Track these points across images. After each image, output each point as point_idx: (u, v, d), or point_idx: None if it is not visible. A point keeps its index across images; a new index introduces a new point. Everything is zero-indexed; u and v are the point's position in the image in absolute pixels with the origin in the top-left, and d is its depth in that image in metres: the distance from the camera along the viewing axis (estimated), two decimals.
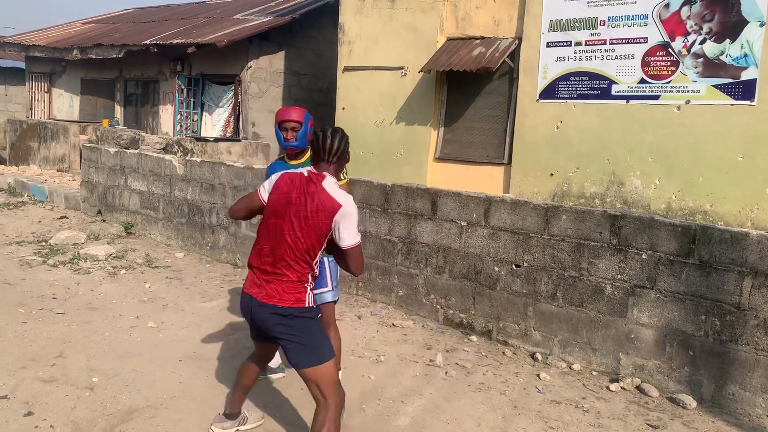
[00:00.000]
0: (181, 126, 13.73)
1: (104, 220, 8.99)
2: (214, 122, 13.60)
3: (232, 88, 13.08)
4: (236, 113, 13.03)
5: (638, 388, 4.35)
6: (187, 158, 8.01)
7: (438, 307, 5.57)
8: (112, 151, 9.00)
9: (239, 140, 12.32)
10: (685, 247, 4.28)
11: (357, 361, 4.58)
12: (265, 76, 12.95)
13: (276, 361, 4.18)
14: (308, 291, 2.90)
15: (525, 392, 4.21)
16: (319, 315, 3.05)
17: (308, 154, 3.66)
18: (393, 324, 5.41)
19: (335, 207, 2.80)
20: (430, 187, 5.88)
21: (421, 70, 8.68)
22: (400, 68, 9.28)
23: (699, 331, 4.23)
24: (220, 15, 15.35)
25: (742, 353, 4.09)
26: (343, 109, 10.02)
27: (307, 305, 2.88)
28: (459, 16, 8.80)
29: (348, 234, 2.83)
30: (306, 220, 2.81)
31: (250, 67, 12.64)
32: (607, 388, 4.35)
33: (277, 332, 2.89)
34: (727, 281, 4.13)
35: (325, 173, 2.88)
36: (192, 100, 13.70)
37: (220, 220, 7.39)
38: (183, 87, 13.56)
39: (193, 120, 13.82)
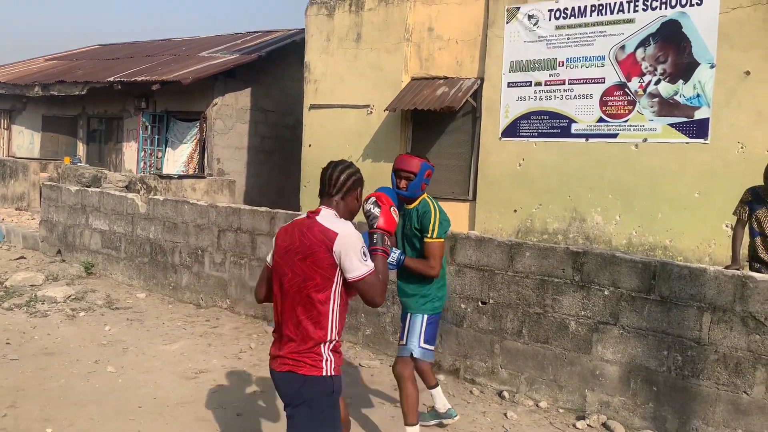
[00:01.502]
0: (144, 163, 13.59)
1: (64, 260, 8.77)
2: (176, 158, 13.50)
3: (197, 124, 13.04)
4: (201, 149, 12.96)
5: (604, 425, 4.36)
6: (150, 196, 7.91)
7: None
8: (73, 190, 8.84)
9: (204, 177, 12.23)
10: (646, 283, 4.35)
11: None
12: (231, 113, 12.95)
13: (443, 404, 4.20)
14: (326, 352, 2.51)
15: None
16: (338, 392, 2.59)
17: (421, 198, 3.82)
18: (360, 364, 5.35)
19: (331, 237, 2.48)
20: None
21: (386, 109, 8.79)
22: (366, 106, 9.38)
23: (662, 366, 4.28)
24: (185, 52, 15.37)
25: (704, 388, 4.14)
26: (310, 146, 10.05)
27: (324, 374, 2.49)
28: (423, 56, 8.97)
29: (352, 263, 2.45)
30: (304, 260, 2.49)
31: (216, 103, 12.63)
32: (574, 425, 4.35)
33: (285, 399, 2.58)
34: (687, 316, 4.20)
35: (322, 207, 2.63)
36: (156, 136, 13.60)
37: (182, 259, 7.27)
38: (147, 124, 13.46)
39: (157, 157, 13.70)
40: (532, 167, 7.94)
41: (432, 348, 3.85)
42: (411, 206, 3.81)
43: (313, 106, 10.03)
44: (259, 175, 13.26)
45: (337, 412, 2.59)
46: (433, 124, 8.91)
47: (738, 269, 4.60)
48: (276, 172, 13.32)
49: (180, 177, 11.86)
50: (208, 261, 7.04)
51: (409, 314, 3.82)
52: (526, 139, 7.98)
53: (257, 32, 16.25)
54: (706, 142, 6.73)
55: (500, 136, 8.18)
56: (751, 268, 5.04)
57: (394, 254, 3.58)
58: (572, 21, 7.53)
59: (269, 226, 6.48)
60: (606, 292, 4.49)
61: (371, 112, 9.32)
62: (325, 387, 2.51)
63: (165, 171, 13.24)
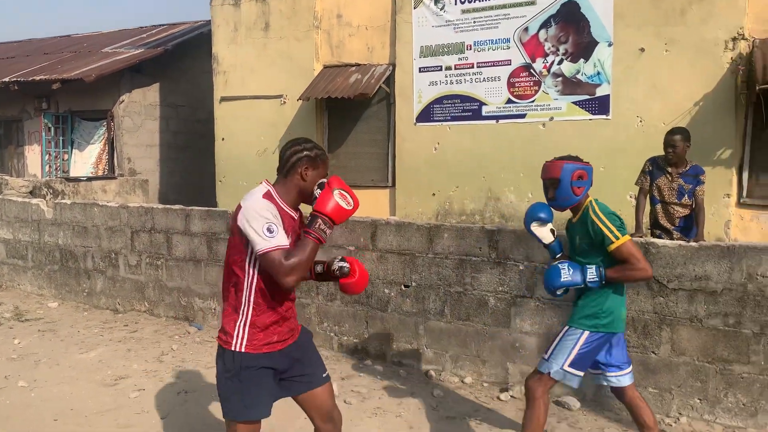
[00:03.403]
0: (50, 166, 12.91)
1: None
2: (85, 160, 12.91)
3: (104, 123, 12.50)
4: (110, 149, 12.44)
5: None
6: (57, 201, 7.54)
7: (332, 335, 5.54)
8: None
9: (115, 177, 11.76)
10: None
11: None
12: (140, 110, 12.49)
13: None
14: (239, 327, 2.54)
15: (420, 412, 4.26)
16: (242, 366, 2.54)
17: (586, 206, 3.24)
18: None
19: (238, 209, 2.50)
20: None
21: (299, 98, 8.71)
22: (279, 96, 9.26)
23: None
24: (87, 49, 14.67)
25: None
26: (223, 139, 9.84)
27: (232, 348, 2.53)
28: (333, 43, 8.93)
29: (251, 237, 2.42)
30: (231, 233, 2.59)
31: (123, 101, 12.14)
32: (498, 398, 4.49)
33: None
34: None
35: (264, 181, 2.62)
36: (61, 138, 12.94)
37: (96, 264, 6.99)
38: (50, 125, 12.79)
39: (63, 159, 13.05)
40: (448, 151, 8.09)
41: (579, 374, 3.23)
42: (575, 219, 3.30)
43: (224, 99, 9.82)
44: (173, 172, 12.87)
45: (238, 379, 2.54)
46: (349, 112, 8.91)
47: (641, 236, 4.86)
48: (191, 169, 12.97)
49: (89, 179, 11.35)
50: (122, 264, 6.79)
51: (566, 325, 3.30)
52: (439, 123, 8.11)
53: (163, 25, 15.70)
54: (608, 117, 7.05)
55: (415, 121, 8.27)
56: (653, 235, 5.35)
57: (593, 273, 3.13)
58: (477, 5, 7.68)
59: (184, 224, 6.32)
60: (521, 267, 4.64)
61: (284, 102, 9.21)
62: (229, 359, 2.53)
63: (73, 173, 12.64)
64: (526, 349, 4.64)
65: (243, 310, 2.54)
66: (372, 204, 8.63)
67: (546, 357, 3.28)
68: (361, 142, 8.91)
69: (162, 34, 14.29)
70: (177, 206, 6.49)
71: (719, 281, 3.99)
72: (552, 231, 3.41)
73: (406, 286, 5.16)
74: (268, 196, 2.54)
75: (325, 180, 2.60)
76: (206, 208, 6.29)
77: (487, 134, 7.77)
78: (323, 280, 2.84)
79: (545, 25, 7.31)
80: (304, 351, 2.78)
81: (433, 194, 8.18)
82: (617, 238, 3.06)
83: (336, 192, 2.50)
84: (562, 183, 3.18)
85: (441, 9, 7.93)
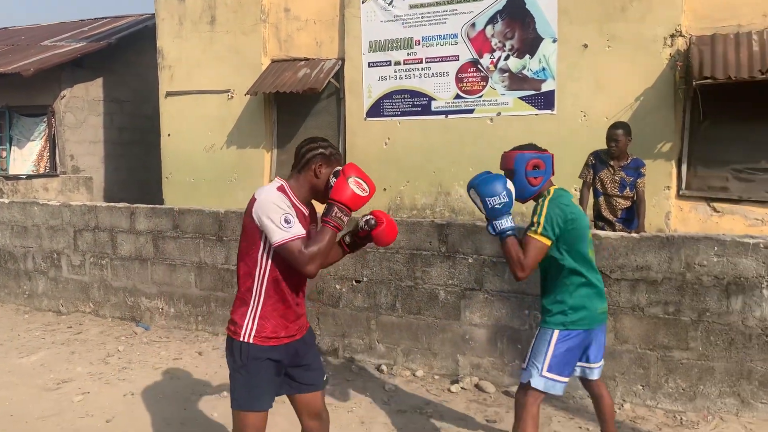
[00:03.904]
0: None
1: None
2: (25, 157, 12.44)
3: (45, 119, 12.07)
4: (51, 146, 12.03)
5: (477, 386, 4.59)
6: None
7: None
8: None
9: (57, 175, 11.39)
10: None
11: (199, 400, 4.39)
12: (83, 105, 12.11)
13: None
14: (248, 318, 2.55)
15: (372, 406, 4.28)
16: (249, 357, 2.55)
17: (543, 196, 3.08)
18: None
19: (252, 202, 2.53)
20: None
21: (247, 93, 8.59)
22: (226, 91, 9.11)
23: (524, 325, 4.57)
24: (25, 42, 14.12)
25: None
26: (169, 135, 9.63)
27: (240, 338, 2.54)
28: (281, 38, 8.84)
29: (267, 229, 2.44)
30: (242, 227, 2.60)
31: (64, 96, 11.75)
32: (449, 390, 4.55)
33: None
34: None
35: (276, 177, 2.67)
36: None
37: (37, 264, 6.76)
38: None
39: (1, 157, 12.55)
40: (398, 145, 8.11)
41: (561, 380, 3.03)
42: (537, 206, 3.08)
43: (169, 94, 9.61)
44: (118, 169, 12.54)
45: (247, 371, 2.56)
46: (298, 107, 8.84)
47: None
48: (137, 165, 12.66)
49: (29, 177, 10.96)
50: (65, 264, 6.59)
51: (539, 327, 3.14)
52: (390, 118, 8.13)
53: (105, 18, 15.24)
54: (553, 112, 7.19)
55: (365, 116, 8.27)
56: (596, 227, 5.49)
57: (505, 223, 2.95)
58: (425, 0, 7.71)
59: (130, 222, 6.17)
60: (470, 260, 4.70)
61: (232, 96, 9.08)
62: (238, 351, 2.56)
63: (12, 171, 12.17)
64: (475, 341, 4.71)
65: (254, 302, 2.57)
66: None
67: (524, 365, 3.11)
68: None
69: (105, 28, 13.88)
70: (122, 204, 6.33)
71: (659, 271, 4.12)
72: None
73: (357, 282, 5.16)
74: (281, 189, 2.57)
75: (340, 168, 2.61)
76: (152, 206, 6.16)
77: (437, 129, 7.83)
78: (356, 250, 2.89)
79: (492, 21, 7.40)
80: (308, 351, 2.78)
81: (384, 189, 8.19)
82: (534, 232, 2.94)
83: (351, 179, 2.50)
84: (516, 173, 3.09)
85: (389, 4, 7.93)
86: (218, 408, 4.24)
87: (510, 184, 3.01)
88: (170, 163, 9.64)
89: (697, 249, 4.07)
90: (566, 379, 3.04)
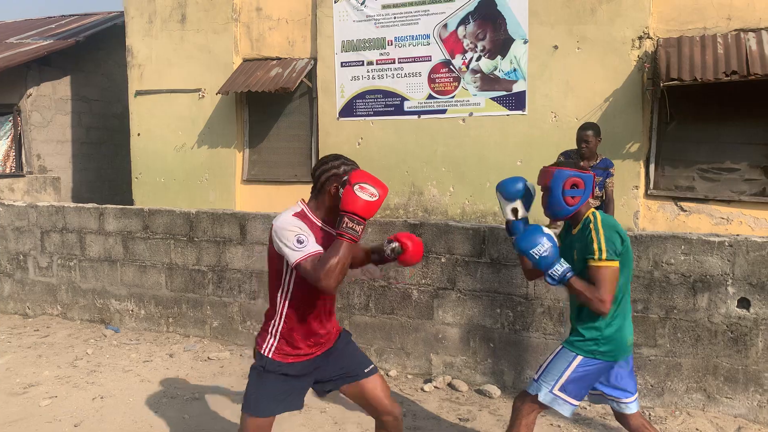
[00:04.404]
0: None
1: None
2: None
3: (10, 118, 11.80)
4: (17, 146, 11.77)
5: (449, 385, 4.62)
6: None
7: (255, 333, 5.47)
8: None
9: (23, 175, 11.15)
10: (477, 248, 4.64)
11: (170, 403, 4.34)
12: (50, 104, 11.86)
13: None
14: (270, 334, 2.70)
15: (345, 407, 4.26)
16: (265, 369, 2.70)
17: (588, 219, 2.92)
18: (209, 357, 5.21)
19: (271, 228, 2.61)
20: (237, 211, 5.78)
21: (218, 92, 8.51)
22: (197, 90, 9.02)
23: (496, 323, 4.61)
24: None
25: (533, 339, 4.52)
26: (139, 135, 9.50)
27: (262, 351, 2.70)
28: (253, 37, 8.78)
29: (283, 250, 2.51)
30: (267, 254, 2.73)
31: (30, 94, 11.50)
32: (422, 389, 4.56)
33: None
34: (515, 275, 4.54)
35: (300, 201, 2.74)
36: None
37: (2, 267, 6.62)
38: None
39: None
40: (371, 145, 8.11)
41: (571, 402, 2.90)
42: (574, 231, 2.97)
43: (139, 93, 9.47)
44: (87, 169, 12.32)
45: (261, 380, 2.71)
46: (270, 107, 8.78)
47: (555, 228, 5.04)
48: (106, 165, 12.46)
49: None
50: (32, 266, 6.46)
51: (561, 345, 3.00)
52: (362, 118, 8.12)
53: (73, 16, 14.95)
54: (524, 113, 7.26)
55: (338, 116, 8.25)
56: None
57: (560, 267, 2.80)
58: (397, 0, 7.72)
59: (98, 223, 6.07)
60: (443, 260, 4.73)
61: (203, 96, 8.98)
62: (259, 362, 2.71)
63: None
64: (448, 340, 4.74)
65: (275, 320, 2.70)
66: (296, 199, 8.52)
67: (536, 377, 2.98)
68: (284, 137, 8.80)
69: (72, 25, 13.62)
70: (90, 204, 6.23)
71: None
72: (515, 210, 3.12)
73: None
74: (299, 215, 2.63)
75: (346, 177, 2.59)
76: (121, 207, 6.07)
77: (410, 129, 7.84)
78: (384, 264, 3.04)
79: (464, 21, 7.44)
80: (337, 354, 2.85)
81: None
82: (601, 259, 2.76)
83: (356, 187, 2.47)
84: (552, 191, 2.92)
85: (361, 4, 7.93)
86: (189, 410, 4.19)
87: (546, 229, 2.87)
88: (140, 163, 9.51)
89: (665, 247, 4.14)
90: (577, 403, 2.91)
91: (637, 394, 3.04)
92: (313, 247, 2.50)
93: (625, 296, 2.94)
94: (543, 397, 2.90)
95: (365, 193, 2.47)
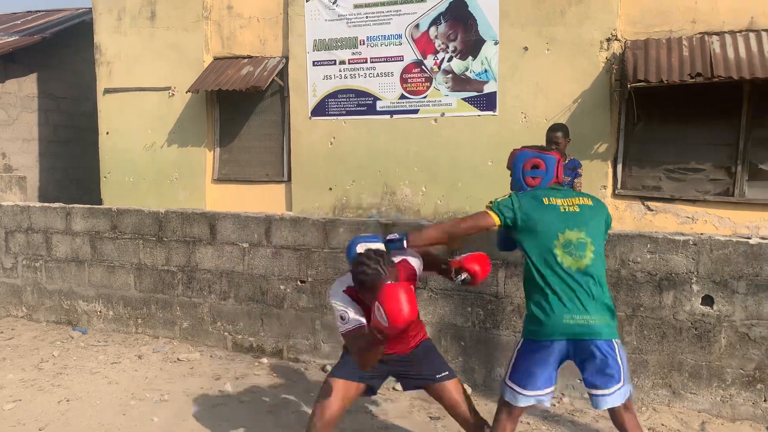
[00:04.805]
0: None
1: None
2: None
3: None
4: None
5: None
6: None
7: (226, 334, 5.43)
8: None
9: None
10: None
11: (138, 405, 4.28)
12: (15, 102, 11.61)
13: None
14: None
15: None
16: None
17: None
18: (178, 359, 5.16)
19: None
20: (207, 210, 5.74)
21: (188, 90, 8.42)
22: (167, 89, 8.91)
23: (467, 322, 4.64)
24: None
25: (503, 337, 4.56)
26: (107, 133, 9.36)
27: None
28: (224, 35, 8.70)
29: (336, 322, 2.95)
30: None
31: None
32: (393, 388, 4.56)
33: None
34: None
35: None
36: None
37: None
38: None
39: None
40: (344, 145, 8.10)
41: (521, 392, 2.82)
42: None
43: (108, 90, 9.33)
44: (54, 168, 12.09)
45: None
46: (241, 105, 8.72)
47: None
48: (74, 164, 12.24)
49: None
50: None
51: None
52: (335, 117, 8.10)
53: (39, 12, 14.66)
54: (495, 113, 7.31)
55: (310, 115, 8.22)
56: None
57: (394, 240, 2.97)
58: (369, 0, 7.72)
59: (65, 223, 5.97)
60: None
61: (173, 94, 8.88)
62: None
63: None
64: None
65: None
66: (268, 199, 8.50)
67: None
68: (255, 136, 8.75)
69: (38, 22, 13.35)
70: (57, 204, 6.12)
71: None
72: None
73: (302, 282, 5.14)
74: (348, 290, 2.90)
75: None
76: (89, 206, 5.98)
77: (382, 129, 7.85)
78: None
79: (435, 22, 7.47)
80: (414, 359, 3.13)
81: (330, 189, 8.17)
82: (487, 206, 2.94)
83: (376, 306, 2.56)
84: (513, 172, 3.03)
85: (333, 3, 7.91)
86: (158, 413, 4.15)
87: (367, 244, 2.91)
88: (108, 162, 9.37)
89: (632, 246, 4.22)
90: (527, 393, 2.80)
91: (617, 386, 2.76)
92: (354, 321, 2.85)
93: (545, 271, 2.81)
94: (501, 389, 2.93)
95: (380, 316, 2.54)
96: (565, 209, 2.87)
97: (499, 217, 2.90)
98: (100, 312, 5.92)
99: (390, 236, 3.02)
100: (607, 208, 3.04)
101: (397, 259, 2.96)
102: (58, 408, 4.21)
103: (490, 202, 2.96)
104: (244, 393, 4.47)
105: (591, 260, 2.82)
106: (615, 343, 2.81)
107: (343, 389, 3.03)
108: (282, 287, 5.19)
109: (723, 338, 4.05)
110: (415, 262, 3.06)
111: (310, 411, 4.15)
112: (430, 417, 4.13)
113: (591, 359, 2.77)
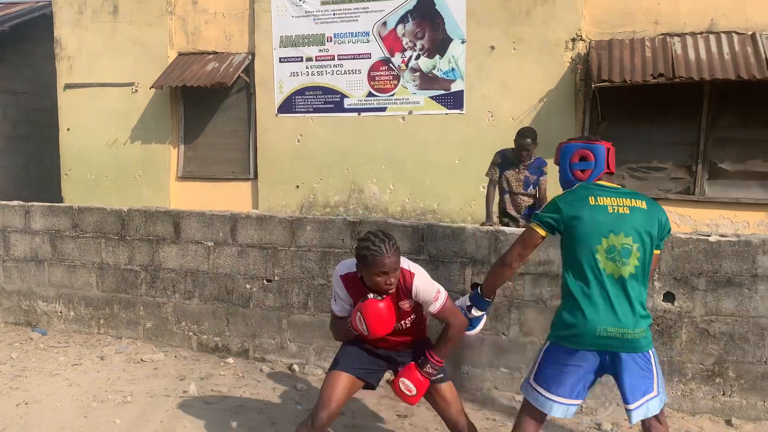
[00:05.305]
0: None
1: None
2: None
3: None
4: None
5: (388, 382, 4.62)
6: None
7: (191, 334, 5.35)
8: None
9: None
10: (416, 245, 4.67)
11: (100, 407, 4.20)
12: None
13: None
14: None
15: (283, 407, 4.23)
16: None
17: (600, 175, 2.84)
18: (141, 359, 5.07)
19: None
20: (171, 209, 5.64)
21: (152, 86, 8.29)
22: (130, 84, 8.76)
23: (434, 320, 4.64)
24: None
25: (470, 335, 4.57)
26: (68, 129, 9.16)
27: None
28: (189, 30, 8.58)
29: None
30: None
31: None
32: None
33: None
34: (452, 271, 4.60)
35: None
36: None
37: None
38: None
39: None
40: (311, 142, 8.06)
41: (544, 394, 2.73)
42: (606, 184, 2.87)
43: (68, 86, 9.13)
44: (13, 165, 11.77)
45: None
46: (207, 102, 8.61)
47: (492, 225, 5.13)
48: (34, 161, 11.93)
49: None
50: None
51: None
52: (302, 114, 8.06)
53: None
54: (462, 112, 7.36)
55: (276, 112, 8.16)
56: (501, 223, 5.67)
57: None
58: None
59: (24, 221, 5.81)
60: None
61: (136, 90, 8.73)
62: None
63: None
64: None
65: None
66: (234, 197, 8.43)
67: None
68: (221, 133, 8.65)
69: None
70: (15, 202, 5.96)
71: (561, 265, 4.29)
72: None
73: (268, 281, 5.09)
74: (347, 276, 3.04)
75: (369, 296, 2.92)
76: (49, 204, 5.83)
77: (350, 127, 7.84)
78: None
79: (403, 20, 7.49)
80: (410, 358, 3.23)
81: (297, 186, 8.13)
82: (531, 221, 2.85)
83: (358, 316, 2.91)
84: (561, 167, 2.90)
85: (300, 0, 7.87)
86: (120, 415, 4.07)
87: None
88: (70, 159, 9.16)
89: None
90: (552, 396, 2.71)
91: (644, 399, 2.65)
92: (335, 309, 3.13)
93: (582, 276, 2.68)
94: (523, 389, 2.90)
95: (360, 324, 2.90)
96: (613, 210, 2.68)
97: (544, 228, 2.78)
98: (61, 312, 5.78)
99: (471, 295, 3.26)
100: (665, 213, 2.83)
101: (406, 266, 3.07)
102: (17, 411, 4.10)
103: (534, 215, 2.85)
104: (209, 393, 4.41)
105: (634, 268, 2.65)
106: (651, 353, 2.71)
107: (346, 382, 3.10)
108: (248, 286, 5.13)
109: (684, 334, 4.14)
110: (423, 288, 3.13)
111: (276, 411, 4.13)
112: (398, 415, 4.13)
113: (626, 372, 2.65)
